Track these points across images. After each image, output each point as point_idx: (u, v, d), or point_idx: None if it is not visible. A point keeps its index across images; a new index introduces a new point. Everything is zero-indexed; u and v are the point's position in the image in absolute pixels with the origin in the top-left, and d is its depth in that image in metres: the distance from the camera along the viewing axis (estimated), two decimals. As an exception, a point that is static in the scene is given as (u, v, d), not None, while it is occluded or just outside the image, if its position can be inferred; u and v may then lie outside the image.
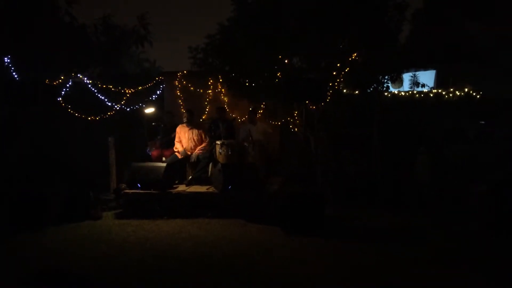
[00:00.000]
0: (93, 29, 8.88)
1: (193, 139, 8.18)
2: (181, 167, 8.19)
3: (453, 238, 6.09)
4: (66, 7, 8.59)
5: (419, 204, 7.92)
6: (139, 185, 7.35)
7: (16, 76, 7.49)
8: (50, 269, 4.61)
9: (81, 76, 8.45)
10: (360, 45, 7.96)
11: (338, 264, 5.00)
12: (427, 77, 10.75)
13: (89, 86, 8.50)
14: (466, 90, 9.75)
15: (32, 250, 5.53)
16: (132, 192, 7.36)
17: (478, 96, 9.67)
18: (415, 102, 9.75)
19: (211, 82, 9.49)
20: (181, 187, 7.70)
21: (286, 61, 8.16)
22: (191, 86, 9.60)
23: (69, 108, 8.25)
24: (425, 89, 9.98)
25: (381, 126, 8.79)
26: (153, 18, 9.53)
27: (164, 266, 4.89)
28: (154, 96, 9.56)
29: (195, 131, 8.20)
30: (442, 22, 11.86)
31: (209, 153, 8.03)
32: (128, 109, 9.09)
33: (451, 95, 9.77)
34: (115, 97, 8.85)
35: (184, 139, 8.20)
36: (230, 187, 7.17)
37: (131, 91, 9.10)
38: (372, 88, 8.51)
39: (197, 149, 8.09)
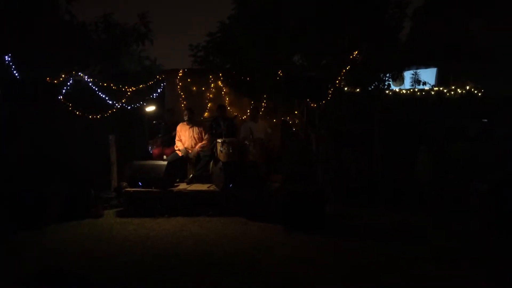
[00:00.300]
0: (93, 27, 8.87)
1: (194, 137, 8.19)
2: (182, 165, 8.19)
3: (454, 237, 6.08)
4: (66, 5, 8.59)
5: (419, 203, 7.91)
6: (140, 184, 7.36)
7: (16, 74, 7.50)
8: (51, 269, 4.62)
9: (81, 75, 8.46)
10: (360, 43, 7.96)
11: (339, 262, 5.01)
12: (428, 75, 10.71)
13: (90, 84, 8.51)
14: (467, 88, 9.73)
15: (32, 249, 5.54)
16: (133, 191, 7.37)
17: (479, 94, 9.64)
18: (416, 100, 9.72)
19: (212, 80, 9.49)
20: (182, 186, 7.71)
21: (286, 59, 8.15)
22: (192, 84, 9.60)
23: (70, 107, 8.26)
24: (426, 87, 9.96)
25: (382, 124, 8.77)
26: (153, 16, 9.53)
27: (165, 265, 4.89)
28: (154, 94, 9.56)
29: (196, 129, 8.21)
30: (443, 19, 11.82)
31: (210, 151, 8.03)
32: (129, 108, 9.10)
33: (452, 93, 9.74)
34: (116, 96, 8.85)
35: (185, 137, 8.20)
36: (231, 185, 7.18)
37: (132, 89, 9.10)
38: (373, 86, 8.50)
39: (196, 147, 8.09)
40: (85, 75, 8.51)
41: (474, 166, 8.09)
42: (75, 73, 8.40)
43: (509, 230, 6.24)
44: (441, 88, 9.89)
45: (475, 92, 9.68)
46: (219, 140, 7.82)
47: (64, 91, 8.13)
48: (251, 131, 8.07)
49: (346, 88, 8.86)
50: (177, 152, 8.11)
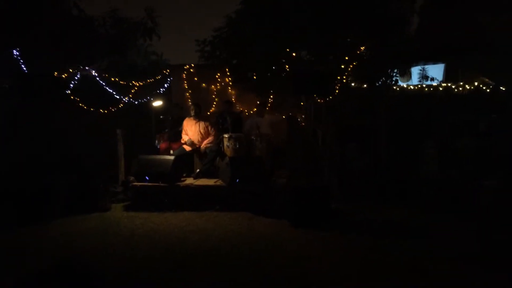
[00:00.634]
0: (101, 22, 8.89)
1: (200, 132, 8.19)
2: (189, 160, 8.22)
3: (460, 235, 6.03)
4: (74, 0, 8.60)
5: (426, 200, 7.86)
6: (147, 178, 7.39)
7: (24, 68, 7.54)
8: (59, 262, 4.64)
9: (89, 69, 8.49)
10: (368, 38, 7.91)
11: (344, 259, 4.99)
12: (436, 71, 10.65)
13: (97, 78, 8.54)
14: (476, 83, 9.65)
15: (40, 243, 5.57)
16: (140, 185, 7.40)
17: (488, 90, 9.57)
18: (423, 96, 9.68)
19: (218, 75, 9.49)
20: (189, 180, 7.73)
21: (293, 54, 8.13)
22: (198, 79, 9.61)
23: (78, 101, 8.30)
24: (434, 83, 9.90)
25: (388, 120, 8.74)
26: (160, 11, 9.53)
27: (172, 259, 4.91)
28: (161, 89, 9.58)
29: (202, 124, 8.21)
30: (451, 14, 11.72)
31: (216, 146, 8.04)
32: (136, 102, 9.12)
33: (460, 88, 9.68)
34: (123, 90, 8.88)
35: (191, 132, 8.21)
36: (237, 180, 7.19)
37: (139, 84, 9.13)
38: (381, 81, 8.46)
39: (204, 143, 8.11)
40: (92, 70, 8.55)
41: (483, 162, 8.02)
42: (83, 68, 8.43)
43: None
44: (449, 84, 9.83)
45: (484, 88, 9.61)
46: (225, 135, 7.83)
47: (71, 85, 8.17)
48: (257, 126, 8.06)
49: (353, 84, 8.83)
50: (184, 146, 8.13)
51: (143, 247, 5.35)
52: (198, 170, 8.03)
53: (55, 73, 7.74)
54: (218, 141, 8.10)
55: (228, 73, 9.19)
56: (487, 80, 9.63)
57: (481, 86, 9.60)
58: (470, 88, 9.63)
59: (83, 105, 8.36)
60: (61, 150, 8.53)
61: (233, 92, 9.49)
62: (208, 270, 4.62)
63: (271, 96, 8.90)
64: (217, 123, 8.36)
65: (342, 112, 8.35)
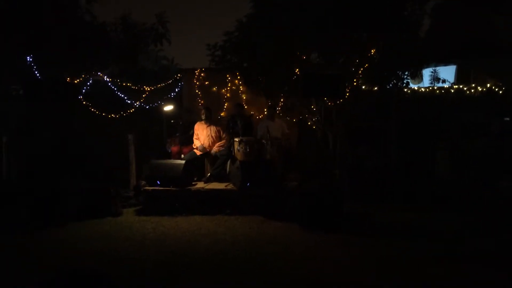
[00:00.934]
0: (113, 28, 8.98)
1: (211, 136, 8.23)
2: (200, 164, 8.25)
3: (478, 237, 5.97)
4: (87, 6, 8.70)
5: (439, 201, 7.79)
6: (159, 182, 7.43)
7: (37, 74, 7.64)
8: (71, 268, 4.68)
9: (101, 74, 8.59)
10: (379, 41, 7.88)
11: (355, 262, 4.97)
12: (447, 73, 10.57)
13: (109, 84, 8.63)
14: (488, 85, 9.55)
15: (53, 246, 5.62)
16: (151, 189, 7.44)
17: (500, 92, 9.46)
18: (434, 98, 9.60)
19: (229, 79, 9.54)
20: (200, 184, 7.76)
21: (304, 57, 8.13)
22: (209, 84, 9.66)
23: (89, 106, 8.39)
24: (446, 85, 9.82)
25: (399, 122, 8.69)
26: (171, 16, 9.58)
27: (183, 263, 4.93)
28: (172, 94, 9.65)
29: (213, 128, 8.25)
30: (464, 15, 11.63)
31: (227, 150, 8.06)
32: (147, 107, 9.20)
33: (472, 90, 9.58)
34: (134, 95, 8.96)
35: (202, 136, 8.26)
36: (248, 184, 7.20)
37: (150, 88, 9.21)
38: (392, 84, 8.41)
39: (215, 146, 8.15)
40: (104, 75, 8.65)
41: (495, 164, 7.93)
42: (95, 73, 8.53)
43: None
44: (460, 86, 9.74)
45: (496, 89, 9.50)
46: (236, 139, 7.84)
47: (84, 90, 8.27)
48: (268, 130, 8.06)
49: (363, 86, 8.79)
50: (195, 151, 8.17)
51: (154, 251, 5.38)
52: (209, 174, 8.06)
53: (68, 78, 7.84)
54: (229, 145, 8.13)
55: (238, 77, 9.22)
56: (498, 83, 9.52)
57: (493, 88, 9.50)
58: (482, 90, 9.53)
59: (95, 110, 8.45)
60: (73, 154, 8.63)
61: (243, 95, 9.52)
62: (217, 274, 4.63)
63: (282, 100, 8.91)
64: (228, 127, 8.38)
65: (353, 114, 8.32)
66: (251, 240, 5.79)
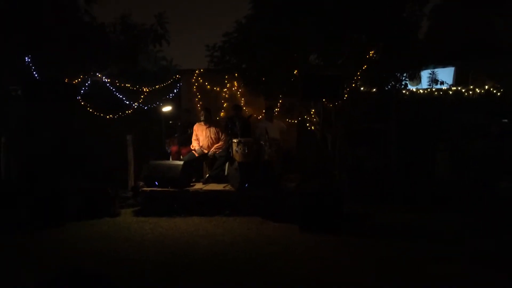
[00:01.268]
0: (111, 28, 8.96)
1: (210, 137, 8.23)
2: (198, 165, 8.24)
3: (476, 237, 5.97)
4: (86, 7, 8.69)
5: (439, 202, 7.79)
6: (157, 183, 7.41)
7: (36, 75, 7.63)
8: (69, 269, 4.66)
9: (99, 75, 8.58)
10: (378, 43, 7.89)
11: (356, 264, 4.95)
12: (445, 74, 10.58)
13: (108, 84, 8.62)
14: (486, 87, 9.57)
15: (52, 247, 5.60)
16: (150, 190, 7.42)
17: (499, 94, 9.48)
18: (433, 100, 9.62)
19: (227, 80, 9.53)
20: (198, 185, 7.74)
21: (303, 59, 8.13)
22: (208, 84, 9.66)
23: (88, 106, 8.38)
24: (444, 87, 9.83)
25: (398, 124, 8.70)
26: (170, 17, 9.56)
27: (181, 264, 4.92)
28: (171, 95, 9.64)
29: (212, 129, 8.25)
30: (463, 17, 11.65)
31: (225, 151, 8.05)
32: (145, 108, 9.19)
33: (471, 92, 9.60)
34: (133, 96, 8.96)
35: (201, 137, 8.25)
36: (246, 185, 7.19)
37: (149, 89, 9.20)
38: (390, 85, 8.42)
39: (213, 148, 8.14)
40: (103, 76, 8.63)
41: (494, 165, 7.95)
42: (94, 74, 8.53)
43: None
44: (459, 88, 9.76)
45: (494, 91, 9.52)
46: (234, 140, 7.83)
47: (82, 91, 8.26)
48: (266, 131, 8.06)
49: (362, 88, 8.80)
50: (193, 152, 8.16)
51: (154, 251, 5.37)
52: (207, 175, 8.05)
53: (66, 79, 7.83)
54: (227, 146, 8.12)
55: (237, 78, 9.22)
56: (497, 85, 9.54)
57: (491, 89, 9.52)
58: (481, 92, 9.54)
59: (93, 111, 8.44)
60: (73, 155, 8.62)
61: (242, 97, 9.52)
62: (217, 275, 4.62)
63: (280, 101, 8.91)
64: (226, 128, 8.38)
65: (352, 116, 8.32)
66: (250, 241, 5.78)
